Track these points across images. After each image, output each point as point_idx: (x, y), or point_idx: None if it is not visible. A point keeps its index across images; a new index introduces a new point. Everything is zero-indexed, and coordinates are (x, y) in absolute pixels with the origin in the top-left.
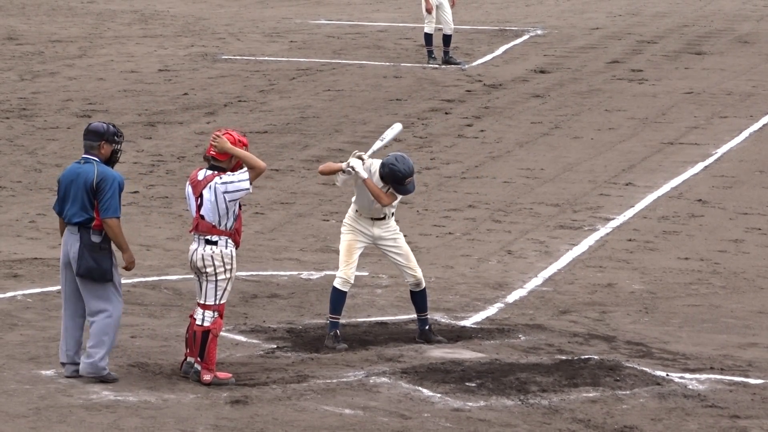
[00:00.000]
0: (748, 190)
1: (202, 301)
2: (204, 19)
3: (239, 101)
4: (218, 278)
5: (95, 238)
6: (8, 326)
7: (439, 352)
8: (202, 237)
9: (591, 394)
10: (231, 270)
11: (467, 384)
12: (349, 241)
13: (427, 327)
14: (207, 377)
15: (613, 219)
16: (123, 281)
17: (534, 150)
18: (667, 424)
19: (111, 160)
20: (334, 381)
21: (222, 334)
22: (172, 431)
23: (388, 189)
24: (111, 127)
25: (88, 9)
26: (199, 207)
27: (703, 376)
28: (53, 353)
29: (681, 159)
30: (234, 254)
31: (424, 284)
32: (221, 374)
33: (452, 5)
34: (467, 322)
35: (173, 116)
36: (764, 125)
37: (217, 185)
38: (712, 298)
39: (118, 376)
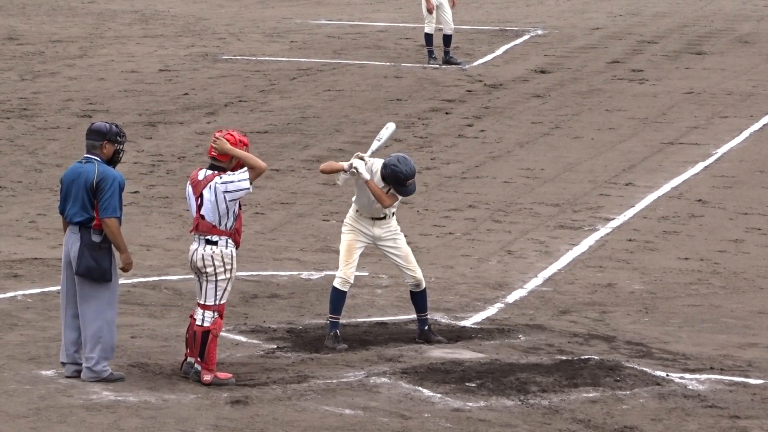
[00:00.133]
0: (748, 190)
1: (202, 302)
2: (204, 19)
3: (240, 101)
4: (218, 278)
5: (96, 238)
6: (8, 326)
7: (439, 352)
8: (202, 237)
9: (591, 395)
10: (231, 270)
11: (467, 384)
12: (350, 241)
13: (427, 327)
14: (207, 377)
15: (613, 219)
16: (123, 282)
17: (534, 150)
18: (667, 424)
19: (113, 160)
20: (334, 381)
21: (222, 334)
22: (172, 431)
23: (389, 190)
24: (114, 127)
25: (89, 9)
26: (199, 207)
27: (703, 377)
28: (53, 353)
29: (681, 159)
30: (234, 254)
31: (424, 285)
32: (221, 374)
33: (452, 5)
34: (467, 322)
35: (174, 116)
36: (764, 125)
37: (217, 185)
38: (712, 298)
39: (122, 374)
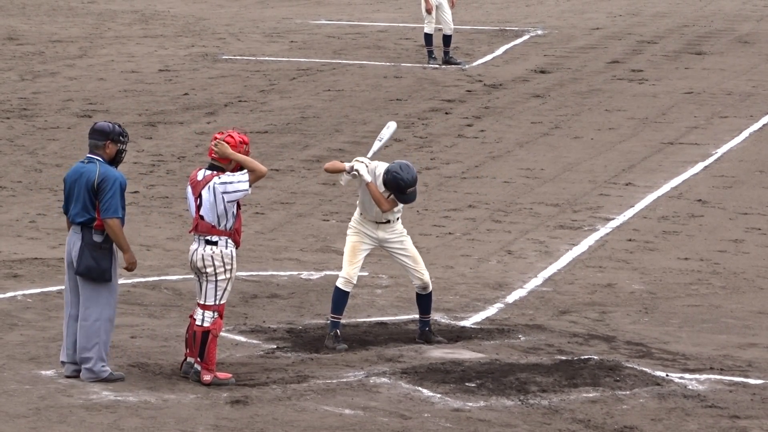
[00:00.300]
0: (748, 190)
1: (202, 302)
2: (204, 20)
3: (239, 101)
4: (218, 278)
5: (97, 238)
6: (8, 326)
7: (439, 353)
8: (202, 237)
9: (591, 395)
10: (231, 270)
11: (467, 384)
12: (354, 243)
13: (427, 328)
14: (207, 377)
15: (613, 219)
16: (123, 281)
17: (534, 150)
18: (667, 424)
19: (115, 160)
20: (334, 381)
21: (222, 334)
22: (172, 431)
23: (389, 195)
24: (117, 126)
25: (89, 9)
26: (198, 207)
27: (703, 377)
28: (53, 353)
29: (681, 159)
30: (234, 254)
31: (431, 288)
32: (221, 374)
33: (452, 6)
34: (467, 323)
35: (174, 116)
36: (764, 125)
37: (216, 185)
38: (712, 298)
39: (122, 374)
